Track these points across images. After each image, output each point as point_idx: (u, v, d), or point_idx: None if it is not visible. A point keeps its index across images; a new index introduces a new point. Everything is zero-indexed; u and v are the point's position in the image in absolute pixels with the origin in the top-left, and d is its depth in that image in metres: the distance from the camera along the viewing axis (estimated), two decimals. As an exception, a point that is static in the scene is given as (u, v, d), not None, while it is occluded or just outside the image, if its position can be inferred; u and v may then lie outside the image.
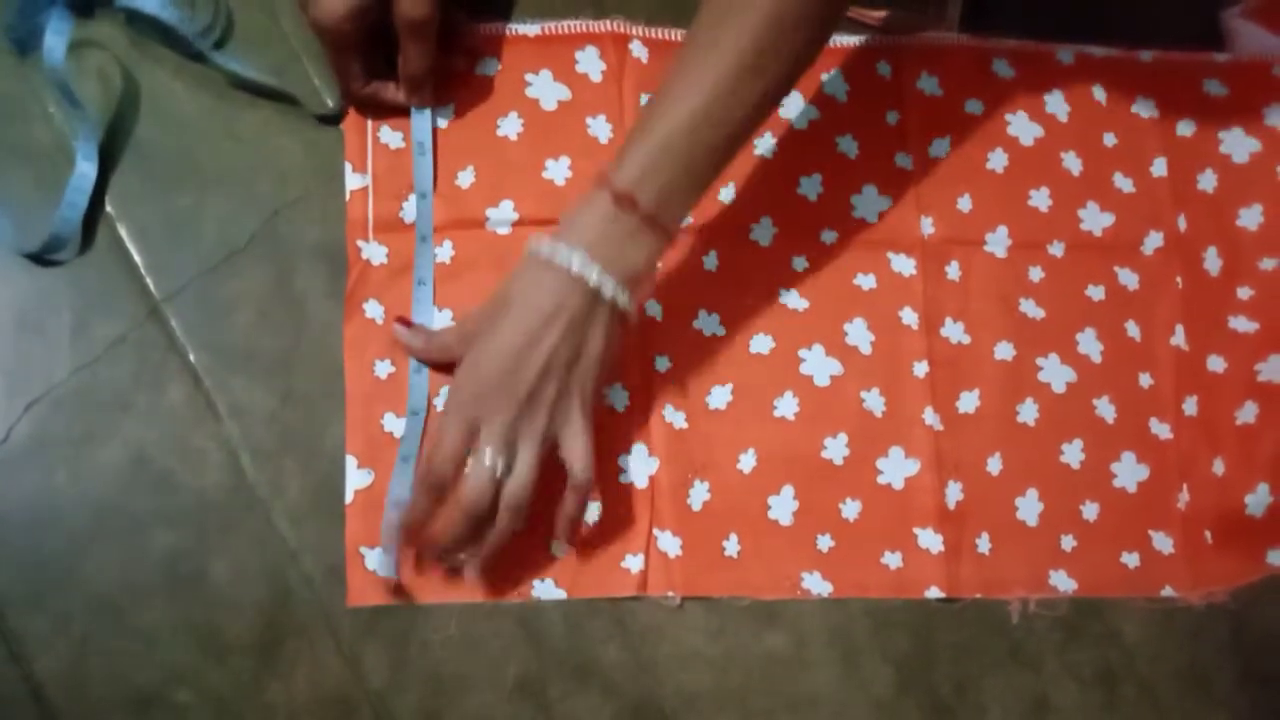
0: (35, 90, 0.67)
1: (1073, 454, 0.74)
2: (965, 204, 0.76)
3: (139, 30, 0.68)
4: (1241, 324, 0.77)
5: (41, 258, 0.65)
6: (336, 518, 0.65)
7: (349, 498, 0.65)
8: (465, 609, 0.65)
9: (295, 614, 0.64)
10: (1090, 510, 0.73)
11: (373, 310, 0.67)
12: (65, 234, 0.65)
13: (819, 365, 0.72)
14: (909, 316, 0.73)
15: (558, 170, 0.71)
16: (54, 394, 0.64)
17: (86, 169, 0.65)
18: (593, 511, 0.67)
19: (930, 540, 0.70)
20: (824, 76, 0.76)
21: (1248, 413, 0.75)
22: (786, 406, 0.71)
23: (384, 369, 0.67)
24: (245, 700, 0.62)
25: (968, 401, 0.73)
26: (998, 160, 0.77)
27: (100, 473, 0.63)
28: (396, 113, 0.70)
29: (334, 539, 0.64)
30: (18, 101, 0.67)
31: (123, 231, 0.66)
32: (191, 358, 0.65)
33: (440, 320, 0.68)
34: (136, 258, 0.66)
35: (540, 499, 0.60)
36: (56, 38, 0.63)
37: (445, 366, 0.66)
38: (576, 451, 0.60)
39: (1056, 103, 0.79)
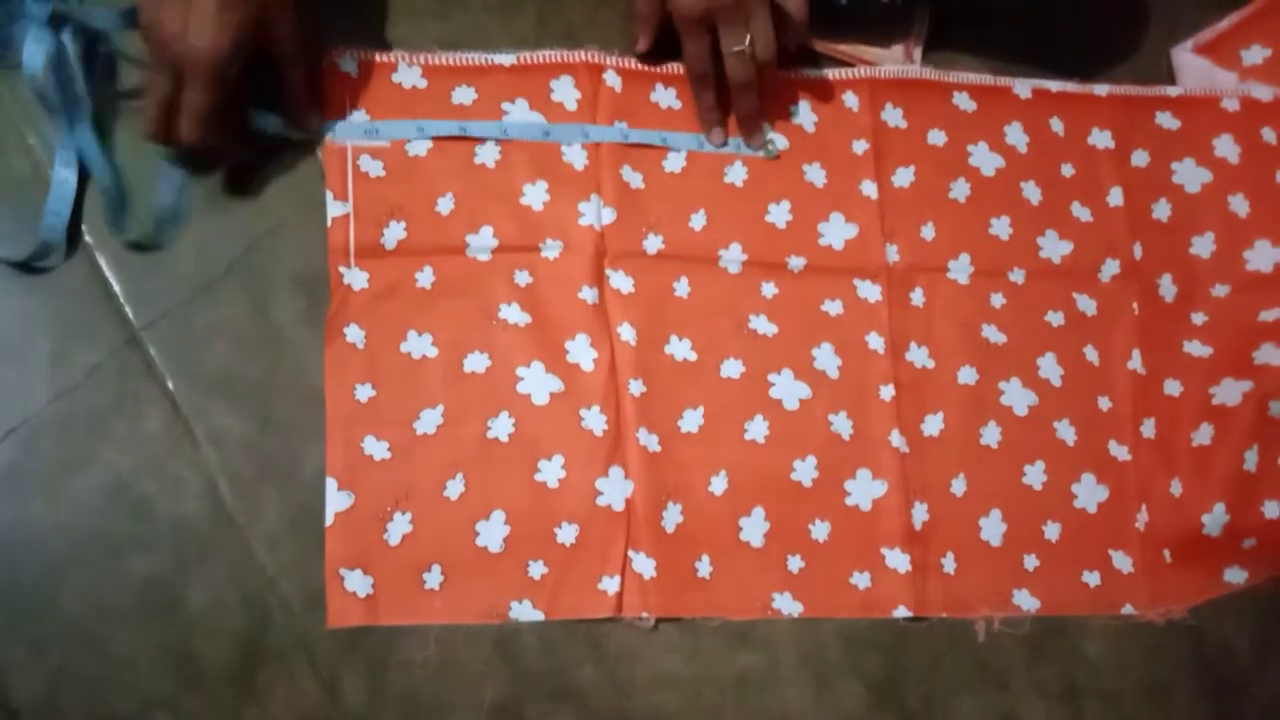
0: (13, 121, 0.67)
1: (1034, 475, 0.76)
2: (929, 232, 0.78)
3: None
4: (1196, 348, 0.79)
5: (28, 266, 0.65)
6: (314, 543, 0.65)
7: (329, 520, 0.65)
8: (443, 631, 0.65)
9: (273, 639, 0.64)
10: (1052, 530, 0.75)
11: (354, 335, 0.68)
12: (52, 241, 0.65)
13: (788, 389, 0.73)
14: (875, 341, 0.75)
15: (535, 196, 0.72)
16: (32, 421, 0.64)
17: (66, 175, 0.66)
18: (570, 534, 0.68)
19: (897, 560, 0.72)
20: (793, 107, 0.78)
21: (1203, 434, 0.77)
22: (757, 429, 0.72)
23: (364, 393, 0.67)
24: (223, 725, 0.63)
25: (932, 424, 0.75)
26: (960, 189, 0.79)
27: (78, 499, 0.64)
28: (375, 142, 0.71)
29: (312, 564, 0.65)
30: (-5, 134, 0.68)
31: (101, 260, 0.67)
32: (170, 385, 0.66)
33: (420, 345, 0.69)
34: (115, 286, 0.66)
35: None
36: (36, 45, 0.64)
37: None
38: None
39: (1016, 134, 0.81)
